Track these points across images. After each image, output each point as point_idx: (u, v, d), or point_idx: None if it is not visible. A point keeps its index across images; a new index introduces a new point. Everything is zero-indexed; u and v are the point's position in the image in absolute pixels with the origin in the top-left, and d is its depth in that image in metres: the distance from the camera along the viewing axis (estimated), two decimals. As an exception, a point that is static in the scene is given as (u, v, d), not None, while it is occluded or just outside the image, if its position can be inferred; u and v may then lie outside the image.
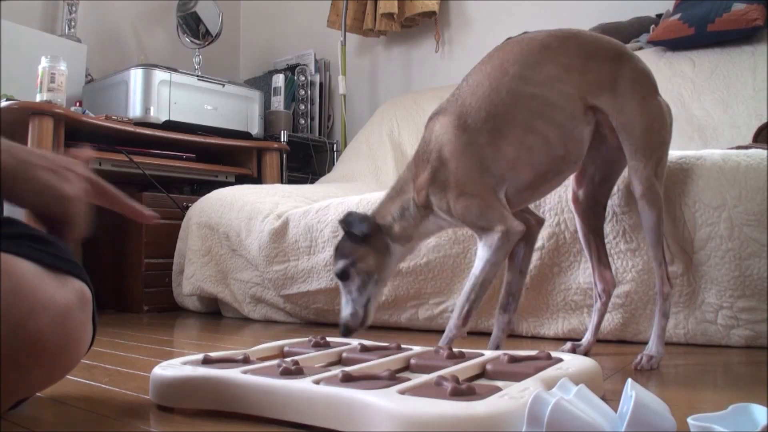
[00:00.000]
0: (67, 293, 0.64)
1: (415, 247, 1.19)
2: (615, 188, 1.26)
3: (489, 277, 1.07)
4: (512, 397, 0.61)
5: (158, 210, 2.28)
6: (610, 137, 1.10)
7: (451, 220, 1.10)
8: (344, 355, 0.92)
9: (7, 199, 0.67)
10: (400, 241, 1.14)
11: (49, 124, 2.13)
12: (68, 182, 0.68)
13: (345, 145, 3.01)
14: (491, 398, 0.61)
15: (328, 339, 1.03)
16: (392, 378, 0.71)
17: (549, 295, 1.43)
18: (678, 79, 2.03)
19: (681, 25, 2.01)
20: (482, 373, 0.80)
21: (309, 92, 3.21)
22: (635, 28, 2.24)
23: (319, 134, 3.26)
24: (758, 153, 1.25)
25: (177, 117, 2.56)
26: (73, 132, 2.26)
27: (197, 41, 2.96)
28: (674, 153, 1.26)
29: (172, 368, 0.82)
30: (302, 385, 0.69)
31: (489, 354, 0.85)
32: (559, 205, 1.39)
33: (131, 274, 2.38)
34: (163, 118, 2.51)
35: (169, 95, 2.54)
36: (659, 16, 2.19)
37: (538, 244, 1.42)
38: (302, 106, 3.17)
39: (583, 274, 1.38)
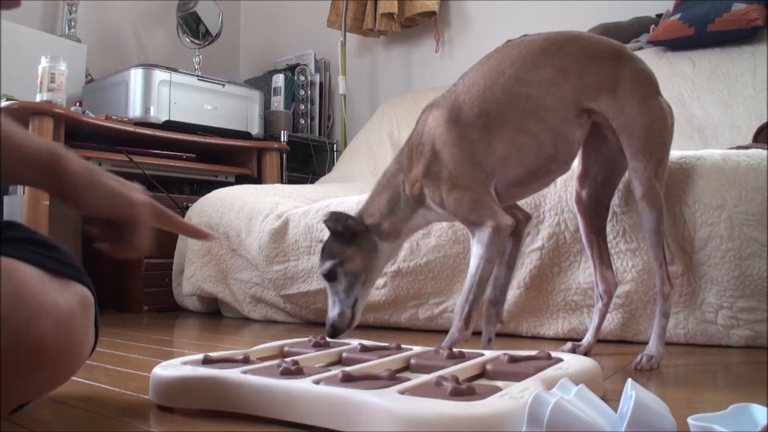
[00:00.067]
0: (69, 298, 0.64)
1: (402, 243, 1.20)
2: (615, 188, 1.26)
3: (485, 275, 1.07)
4: (512, 397, 0.61)
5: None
6: (611, 138, 1.10)
7: (443, 212, 1.11)
8: (344, 355, 0.92)
9: (76, 204, 0.68)
10: (389, 238, 1.14)
11: (49, 124, 2.13)
12: (133, 191, 0.71)
13: (345, 145, 3.01)
14: (491, 398, 0.61)
15: (328, 339, 1.03)
16: (392, 378, 0.71)
17: (549, 295, 1.43)
18: (678, 79, 2.03)
19: (681, 25, 2.01)
20: (482, 373, 0.80)
21: (309, 92, 3.21)
22: (635, 28, 2.24)
23: (319, 134, 3.26)
24: (758, 153, 1.25)
25: (177, 117, 2.56)
26: (73, 132, 2.26)
27: (197, 41, 2.96)
28: (674, 153, 1.26)
29: (172, 368, 0.82)
30: (302, 385, 0.69)
31: (489, 354, 0.85)
32: (559, 205, 1.39)
33: (131, 274, 2.38)
34: (163, 118, 2.52)
35: (169, 95, 2.54)
36: (659, 16, 2.19)
37: (538, 244, 1.42)
38: (302, 106, 3.17)
39: (583, 274, 1.38)
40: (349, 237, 1.11)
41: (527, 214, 1.22)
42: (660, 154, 1.07)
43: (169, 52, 3.15)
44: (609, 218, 1.30)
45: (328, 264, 1.11)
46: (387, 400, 0.61)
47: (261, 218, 1.95)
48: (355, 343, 0.98)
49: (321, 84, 3.26)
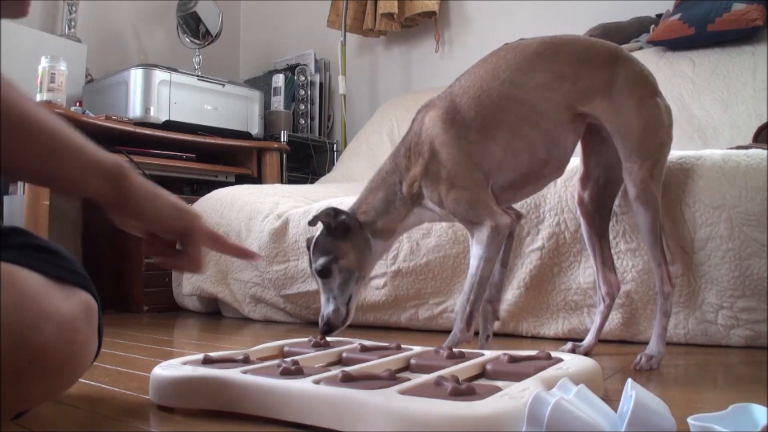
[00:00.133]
0: (73, 305, 0.64)
1: (394, 242, 1.19)
2: (615, 188, 1.26)
3: (485, 274, 1.08)
4: (512, 397, 0.61)
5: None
6: (611, 140, 1.11)
7: (441, 212, 1.11)
8: (344, 355, 0.92)
9: (139, 215, 0.69)
10: (383, 236, 1.14)
11: (49, 124, 2.13)
12: (188, 205, 0.73)
13: (345, 145, 3.01)
14: (491, 398, 0.61)
15: (328, 339, 1.03)
16: (392, 378, 0.71)
17: (549, 295, 1.43)
18: (678, 79, 2.03)
19: (681, 25, 2.01)
20: (482, 373, 0.80)
21: (309, 92, 3.21)
22: (635, 28, 2.24)
23: (319, 134, 3.26)
24: (758, 153, 1.25)
25: (177, 117, 2.56)
26: (73, 132, 2.25)
27: (197, 41, 2.96)
28: (674, 153, 1.26)
29: (172, 368, 0.82)
30: (302, 385, 0.69)
31: (489, 354, 0.85)
32: (559, 205, 1.39)
33: (131, 274, 2.38)
34: (163, 118, 2.51)
35: (169, 95, 2.54)
36: (659, 16, 2.19)
37: (538, 244, 1.42)
38: (302, 106, 3.17)
39: (583, 274, 1.38)
40: (342, 233, 1.11)
41: (519, 213, 1.24)
42: (657, 155, 1.07)
43: (169, 52, 3.15)
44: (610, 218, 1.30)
45: (322, 260, 1.10)
46: (387, 400, 0.61)
47: (261, 218, 1.95)
48: (355, 343, 0.98)
49: (321, 84, 3.26)
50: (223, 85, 2.77)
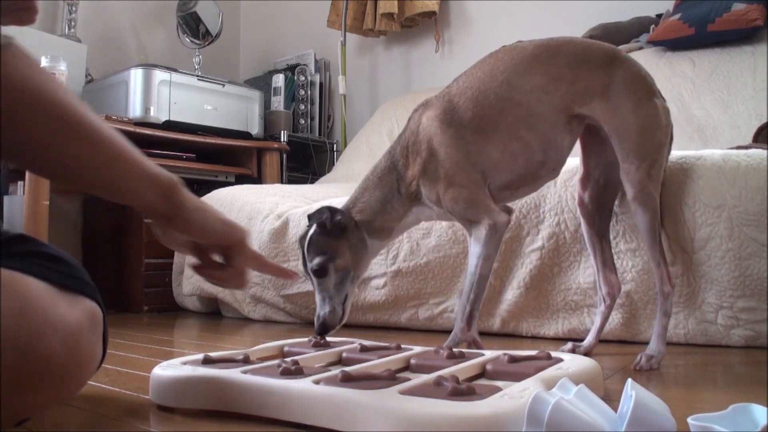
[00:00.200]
0: (78, 313, 0.64)
1: (389, 242, 1.20)
2: (615, 188, 1.26)
3: (485, 273, 1.08)
4: (512, 397, 0.61)
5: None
6: (611, 140, 1.11)
7: (439, 211, 1.12)
8: (344, 355, 0.92)
9: (189, 227, 0.69)
10: (380, 235, 1.14)
11: (49, 124, 2.13)
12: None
13: (345, 145, 3.01)
14: (491, 398, 0.61)
15: (328, 339, 1.03)
16: (392, 378, 0.71)
17: (549, 295, 1.43)
18: (678, 79, 2.03)
19: (681, 25, 2.01)
20: (482, 373, 0.80)
21: (309, 92, 3.21)
22: (635, 28, 2.24)
23: (319, 134, 3.26)
24: (758, 153, 1.25)
25: (177, 117, 2.56)
26: (73, 132, 2.25)
27: (197, 41, 2.96)
28: (674, 153, 1.26)
29: (172, 368, 0.82)
30: (302, 385, 0.69)
31: (489, 354, 0.85)
32: (559, 205, 1.39)
33: (131, 274, 2.38)
34: (163, 118, 2.51)
35: (169, 95, 2.54)
36: (659, 16, 2.19)
37: (538, 244, 1.42)
38: (302, 106, 3.17)
39: (583, 274, 1.38)
40: (338, 232, 1.11)
41: (509, 207, 1.23)
42: (654, 155, 1.07)
43: (169, 52, 3.15)
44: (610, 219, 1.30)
45: (318, 259, 1.10)
46: (387, 400, 0.61)
47: (261, 218, 1.95)
48: (355, 343, 0.98)
49: (321, 84, 3.26)
50: (223, 85, 2.77)
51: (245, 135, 2.81)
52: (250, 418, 0.72)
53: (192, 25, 2.96)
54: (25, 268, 0.61)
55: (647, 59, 2.05)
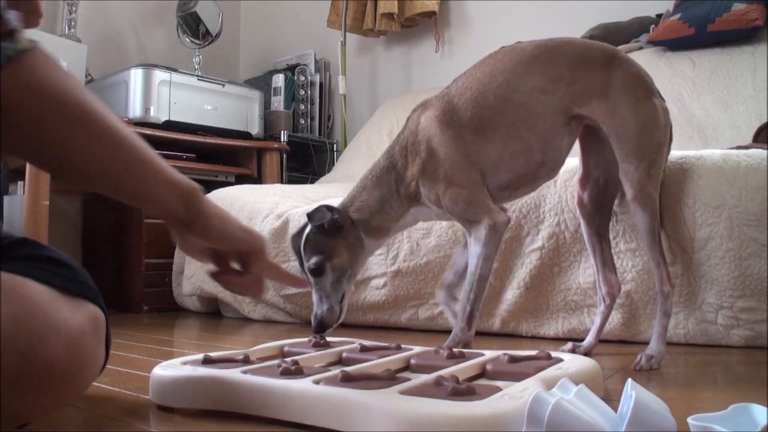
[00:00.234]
0: (80, 318, 0.64)
1: (385, 240, 1.20)
2: (615, 188, 1.26)
3: (485, 273, 1.08)
4: (512, 397, 0.61)
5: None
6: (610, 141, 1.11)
7: (438, 210, 1.12)
8: (344, 355, 0.92)
9: (209, 233, 0.69)
10: (377, 235, 1.15)
11: (49, 124, 2.12)
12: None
13: (345, 145, 3.01)
14: (491, 398, 0.61)
15: (328, 339, 1.03)
16: (392, 378, 0.71)
17: (549, 295, 1.43)
18: (678, 79, 2.03)
19: (681, 25, 2.01)
20: (482, 373, 0.80)
21: (309, 92, 3.21)
22: (635, 28, 2.24)
23: (319, 134, 3.26)
24: (758, 153, 1.25)
25: (177, 117, 2.56)
26: (73, 132, 2.25)
27: (197, 41, 2.96)
28: (674, 153, 1.26)
29: (172, 368, 0.82)
30: (302, 385, 0.69)
31: (489, 354, 0.85)
32: (559, 205, 1.39)
33: (131, 274, 2.38)
34: (163, 118, 2.52)
35: (169, 95, 2.54)
36: (659, 16, 2.19)
37: (538, 244, 1.42)
38: (302, 106, 3.17)
39: (583, 274, 1.38)
40: (335, 231, 1.11)
41: (503, 208, 1.23)
42: (653, 155, 1.07)
43: (169, 52, 3.15)
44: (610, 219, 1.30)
45: (315, 259, 1.10)
46: (387, 400, 0.61)
47: (261, 218, 1.95)
48: (355, 343, 0.98)
49: (321, 84, 3.26)
50: (223, 85, 2.77)
51: (245, 135, 2.81)
52: (250, 418, 0.72)
53: (192, 25, 2.96)
54: (28, 271, 0.61)
55: (647, 59, 2.05)
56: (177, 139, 2.51)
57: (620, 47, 2.15)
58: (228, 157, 2.80)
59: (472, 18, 2.81)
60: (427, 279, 1.60)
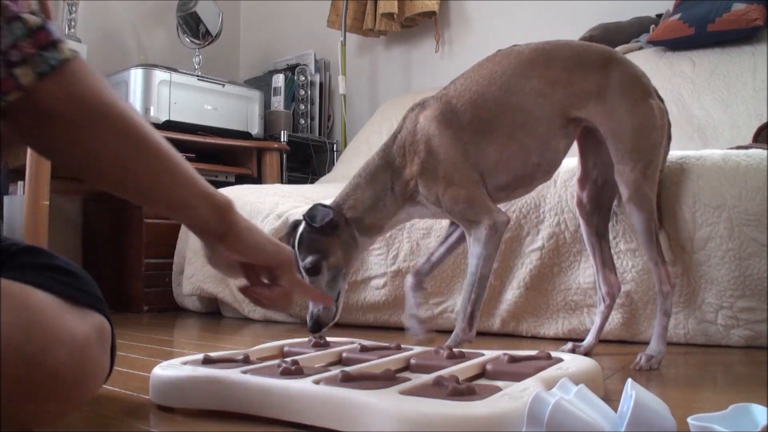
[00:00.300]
0: (86, 327, 0.64)
1: (379, 237, 1.21)
2: (615, 188, 1.26)
3: (485, 273, 1.09)
4: (512, 397, 0.61)
5: (158, 210, 2.28)
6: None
7: (435, 210, 1.13)
8: (344, 355, 0.92)
9: (239, 246, 0.70)
10: (370, 232, 1.15)
11: (49, 124, 2.12)
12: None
13: (345, 145, 3.01)
14: (491, 398, 0.61)
15: (328, 339, 1.03)
16: (392, 378, 0.71)
17: (549, 295, 1.43)
18: (678, 79, 2.03)
19: (681, 25, 2.01)
20: (482, 373, 0.80)
21: (309, 92, 3.21)
22: (635, 28, 2.24)
23: (319, 134, 3.26)
24: (758, 153, 1.25)
25: (177, 117, 2.56)
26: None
27: (197, 41, 2.96)
28: (674, 153, 1.26)
29: (172, 368, 0.82)
30: (302, 385, 0.69)
31: (489, 354, 0.86)
32: (559, 205, 1.39)
33: (131, 274, 2.38)
34: (163, 118, 2.52)
35: (169, 95, 2.54)
36: (659, 16, 2.19)
37: (538, 244, 1.42)
38: (302, 106, 3.17)
39: (583, 274, 1.38)
40: (329, 230, 1.11)
41: None
42: (650, 156, 1.07)
43: (169, 52, 3.15)
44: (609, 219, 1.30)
45: (311, 258, 1.11)
46: (387, 400, 0.61)
47: (261, 218, 1.95)
48: (355, 343, 0.98)
49: (321, 84, 3.26)
50: (223, 85, 2.77)
51: (245, 135, 2.81)
52: (250, 418, 0.72)
53: (192, 25, 2.96)
54: (36, 280, 0.62)
55: (647, 59, 2.05)
56: (177, 139, 2.51)
57: (620, 47, 2.15)
58: (228, 157, 2.80)
59: (472, 18, 2.81)
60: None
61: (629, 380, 0.58)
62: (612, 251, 1.30)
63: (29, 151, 2.01)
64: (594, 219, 1.21)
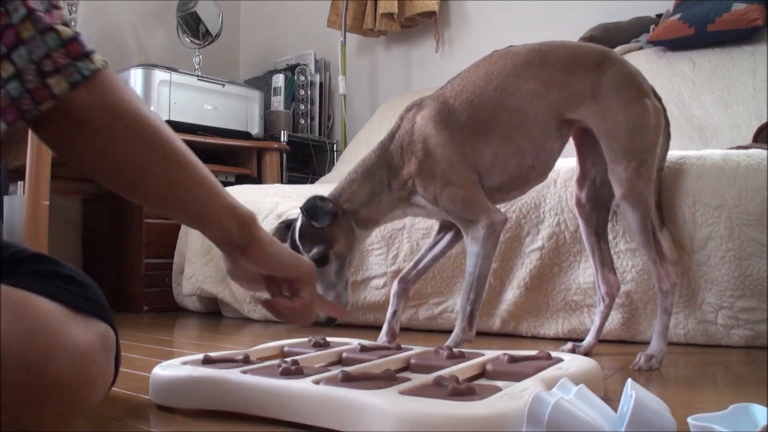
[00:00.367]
0: (90, 335, 0.64)
1: (374, 230, 1.22)
2: (615, 188, 1.26)
3: (484, 272, 1.09)
4: (512, 397, 0.61)
5: (158, 210, 2.28)
6: None
7: (433, 209, 1.13)
8: (344, 355, 0.92)
9: (260, 258, 0.71)
10: (365, 225, 1.16)
11: (49, 124, 2.12)
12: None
13: (345, 145, 3.01)
14: (491, 398, 0.61)
15: (328, 339, 1.03)
16: (392, 378, 0.71)
17: (549, 295, 1.43)
18: (678, 79, 2.03)
19: (681, 25, 2.01)
20: (482, 373, 0.80)
21: (309, 92, 3.21)
22: (635, 28, 2.24)
23: (319, 134, 3.26)
24: (758, 153, 1.25)
25: (177, 117, 2.56)
26: (73, 132, 2.25)
27: (197, 41, 2.96)
28: (674, 153, 1.26)
29: (172, 368, 0.82)
30: (302, 385, 0.69)
31: (489, 354, 0.86)
32: (559, 205, 1.39)
33: (131, 274, 2.38)
34: (163, 118, 2.51)
35: (169, 95, 2.54)
36: (659, 16, 2.19)
37: (538, 244, 1.42)
38: (302, 106, 3.17)
39: (583, 274, 1.38)
40: (329, 220, 1.11)
41: None
42: (643, 155, 1.08)
43: (169, 52, 3.15)
44: (608, 218, 1.30)
45: (318, 249, 1.11)
46: (387, 400, 0.61)
47: (261, 218, 1.95)
48: (355, 343, 0.98)
49: (321, 84, 3.26)
50: (223, 85, 2.77)
51: (245, 135, 2.81)
52: (250, 418, 0.72)
53: (192, 25, 2.96)
54: (40, 288, 0.61)
55: (647, 59, 2.05)
56: (177, 139, 2.51)
57: (620, 47, 2.15)
58: (228, 157, 2.80)
59: (472, 18, 2.81)
60: (427, 279, 1.60)
61: (629, 380, 0.58)
62: (612, 251, 1.30)
63: (29, 151, 2.01)
64: (593, 218, 1.21)
